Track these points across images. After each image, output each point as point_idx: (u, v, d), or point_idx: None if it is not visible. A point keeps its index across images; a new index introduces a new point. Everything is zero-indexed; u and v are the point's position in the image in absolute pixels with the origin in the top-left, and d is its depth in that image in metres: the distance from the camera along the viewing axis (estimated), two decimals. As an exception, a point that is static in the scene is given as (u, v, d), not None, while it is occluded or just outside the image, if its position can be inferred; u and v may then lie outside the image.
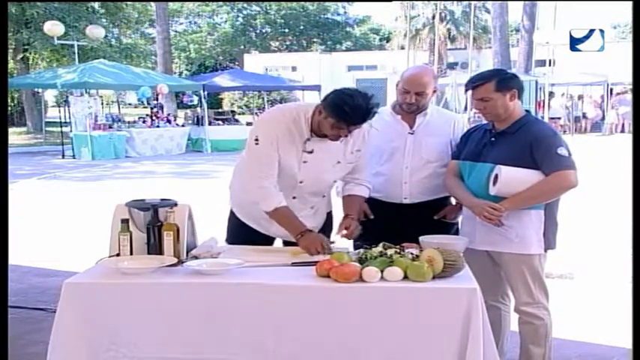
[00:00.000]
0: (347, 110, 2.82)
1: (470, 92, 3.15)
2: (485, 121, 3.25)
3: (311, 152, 3.06)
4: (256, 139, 3.03)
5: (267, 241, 3.28)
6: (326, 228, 3.33)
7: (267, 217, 3.10)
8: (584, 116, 24.87)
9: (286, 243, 3.25)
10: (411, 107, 3.36)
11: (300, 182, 3.11)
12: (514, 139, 3.07)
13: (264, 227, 3.24)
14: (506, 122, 3.11)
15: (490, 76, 3.11)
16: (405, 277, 2.51)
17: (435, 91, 3.41)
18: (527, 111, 3.18)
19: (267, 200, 3.02)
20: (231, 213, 3.41)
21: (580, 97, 25.31)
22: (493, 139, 3.14)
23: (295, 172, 3.07)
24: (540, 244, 3.10)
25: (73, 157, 16.65)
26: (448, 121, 3.50)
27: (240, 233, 3.29)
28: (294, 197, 3.14)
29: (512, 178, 2.98)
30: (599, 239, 6.88)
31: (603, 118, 24.61)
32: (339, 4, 45.82)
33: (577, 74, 24.71)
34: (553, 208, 3.13)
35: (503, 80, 3.07)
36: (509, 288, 3.24)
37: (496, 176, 3.00)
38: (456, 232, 3.48)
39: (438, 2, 32.27)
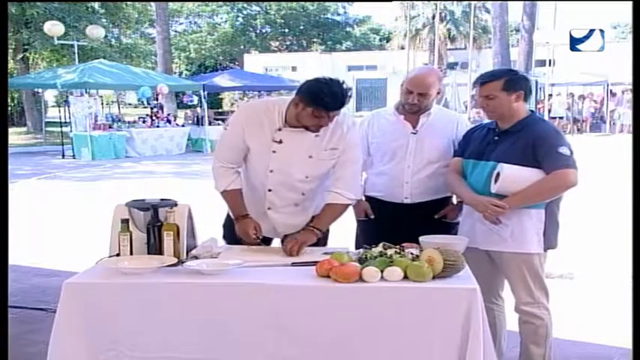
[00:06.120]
0: (324, 97, 2.90)
1: (477, 89, 3.15)
2: (486, 120, 3.26)
3: (280, 142, 3.10)
4: (227, 125, 3.25)
5: (264, 240, 3.26)
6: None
7: (261, 217, 3.20)
8: (584, 116, 24.85)
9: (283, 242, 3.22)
10: (412, 108, 3.37)
11: (271, 171, 3.15)
12: (517, 137, 3.07)
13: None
14: (510, 121, 3.11)
15: (500, 74, 3.13)
16: (405, 277, 2.51)
17: (439, 93, 3.41)
18: (531, 111, 3.19)
19: (220, 181, 3.23)
20: (228, 214, 3.41)
21: (581, 97, 25.29)
22: (496, 137, 3.15)
23: (266, 160, 3.14)
24: (540, 244, 3.09)
25: (73, 157, 16.66)
26: (451, 122, 3.50)
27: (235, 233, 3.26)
28: (269, 190, 3.20)
29: (513, 176, 2.98)
30: (599, 239, 6.88)
31: (602, 118, 24.58)
32: (339, 4, 45.87)
33: (577, 74, 24.71)
34: (554, 208, 3.13)
35: (511, 80, 3.08)
36: (510, 287, 3.23)
37: (497, 174, 3.01)
38: (456, 233, 3.48)
39: (438, 2, 32.25)
